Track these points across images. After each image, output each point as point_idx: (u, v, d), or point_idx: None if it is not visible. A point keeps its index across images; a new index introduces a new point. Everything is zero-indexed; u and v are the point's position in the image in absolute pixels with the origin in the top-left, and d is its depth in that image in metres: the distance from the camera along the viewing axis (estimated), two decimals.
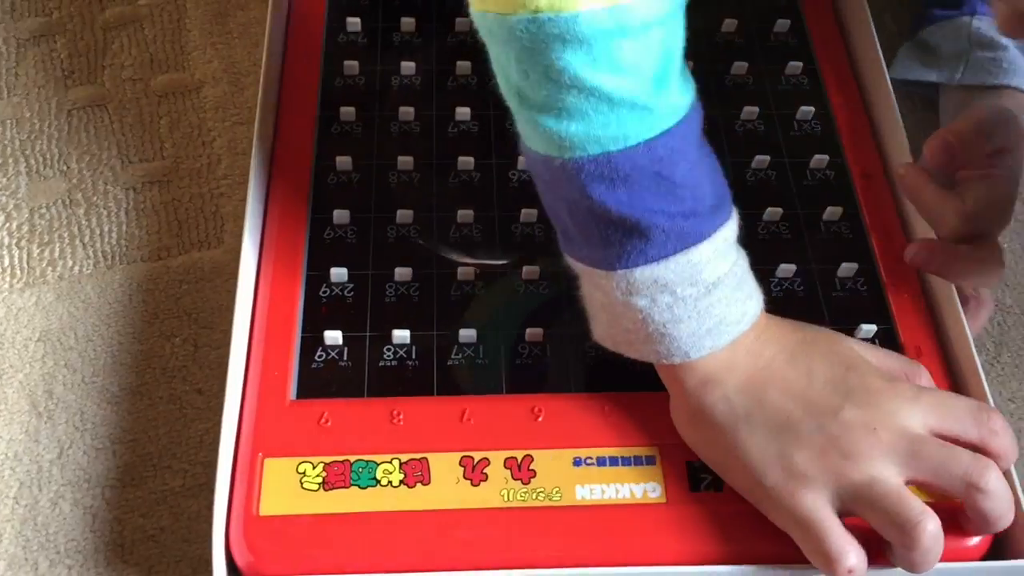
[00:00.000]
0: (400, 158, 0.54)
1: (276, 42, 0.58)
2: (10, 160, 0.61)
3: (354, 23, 0.60)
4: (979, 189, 0.49)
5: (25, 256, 0.57)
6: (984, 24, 0.61)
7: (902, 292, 0.51)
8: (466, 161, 0.54)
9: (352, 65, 0.58)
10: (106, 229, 0.58)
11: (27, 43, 0.65)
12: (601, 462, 0.45)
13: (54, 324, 0.55)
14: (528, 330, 0.48)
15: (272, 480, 0.44)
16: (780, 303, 0.50)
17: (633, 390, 0.47)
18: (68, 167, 0.60)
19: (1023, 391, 0.55)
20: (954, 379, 0.48)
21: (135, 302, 0.56)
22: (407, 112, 0.56)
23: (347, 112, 0.56)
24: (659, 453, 0.45)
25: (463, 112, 0.56)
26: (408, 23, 0.60)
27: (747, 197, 0.54)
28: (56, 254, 0.57)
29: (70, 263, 0.57)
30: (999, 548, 0.44)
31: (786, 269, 0.51)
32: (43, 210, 0.59)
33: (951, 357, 0.49)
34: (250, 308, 0.49)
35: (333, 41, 0.60)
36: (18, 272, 0.57)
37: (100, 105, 0.63)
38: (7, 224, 0.58)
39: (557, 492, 0.44)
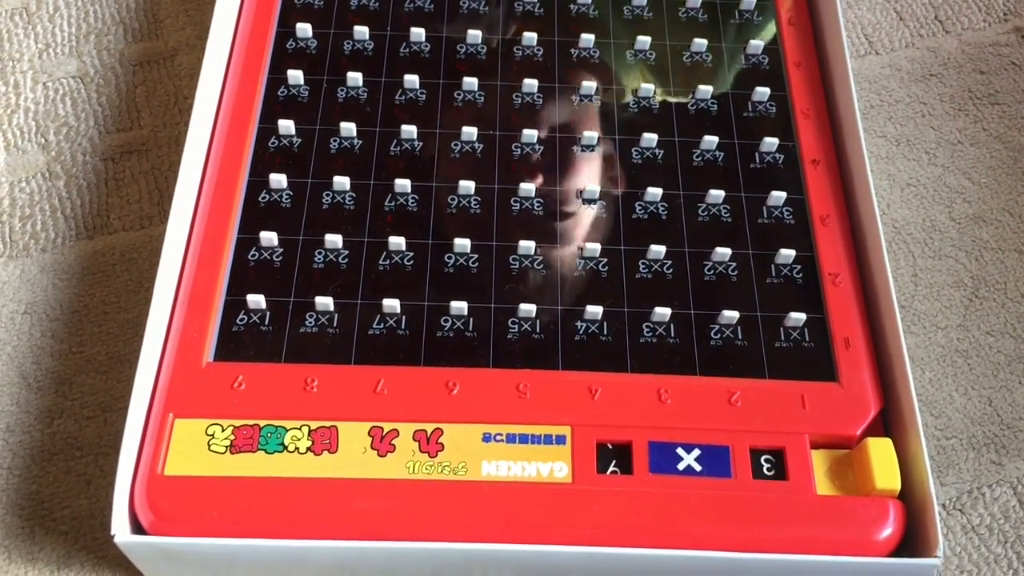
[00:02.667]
0: (343, 124, 0.53)
1: (230, 4, 0.57)
2: None
3: None
4: None
5: (7, 230, 0.58)
6: None
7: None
8: (409, 131, 0.54)
9: (305, 28, 0.57)
10: (87, 200, 0.59)
11: (1, 18, 0.65)
12: (511, 439, 0.44)
13: (39, 296, 0.55)
14: (453, 303, 0.48)
15: (180, 440, 0.44)
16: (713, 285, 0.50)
17: (550, 368, 0.47)
18: (46, 140, 0.61)
19: (1000, 324, 0.56)
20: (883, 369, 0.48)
21: (119, 271, 0.56)
22: (355, 78, 0.55)
23: (295, 76, 0.55)
24: (571, 433, 0.45)
25: (411, 80, 0.55)
26: None
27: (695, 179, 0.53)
28: (38, 227, 0.58)
29: (52, 235, 0.57)
30: (908, 545, 0.43)
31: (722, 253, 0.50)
32: (23, 184, 0.59)
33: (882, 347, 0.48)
34: (178, 269, 0.49)
35: (289, 2, 0.59)
36: (1, 246, 0.57)
37: (75, 77, 0.63)
38: None
39: (463, 466, 0.44)
